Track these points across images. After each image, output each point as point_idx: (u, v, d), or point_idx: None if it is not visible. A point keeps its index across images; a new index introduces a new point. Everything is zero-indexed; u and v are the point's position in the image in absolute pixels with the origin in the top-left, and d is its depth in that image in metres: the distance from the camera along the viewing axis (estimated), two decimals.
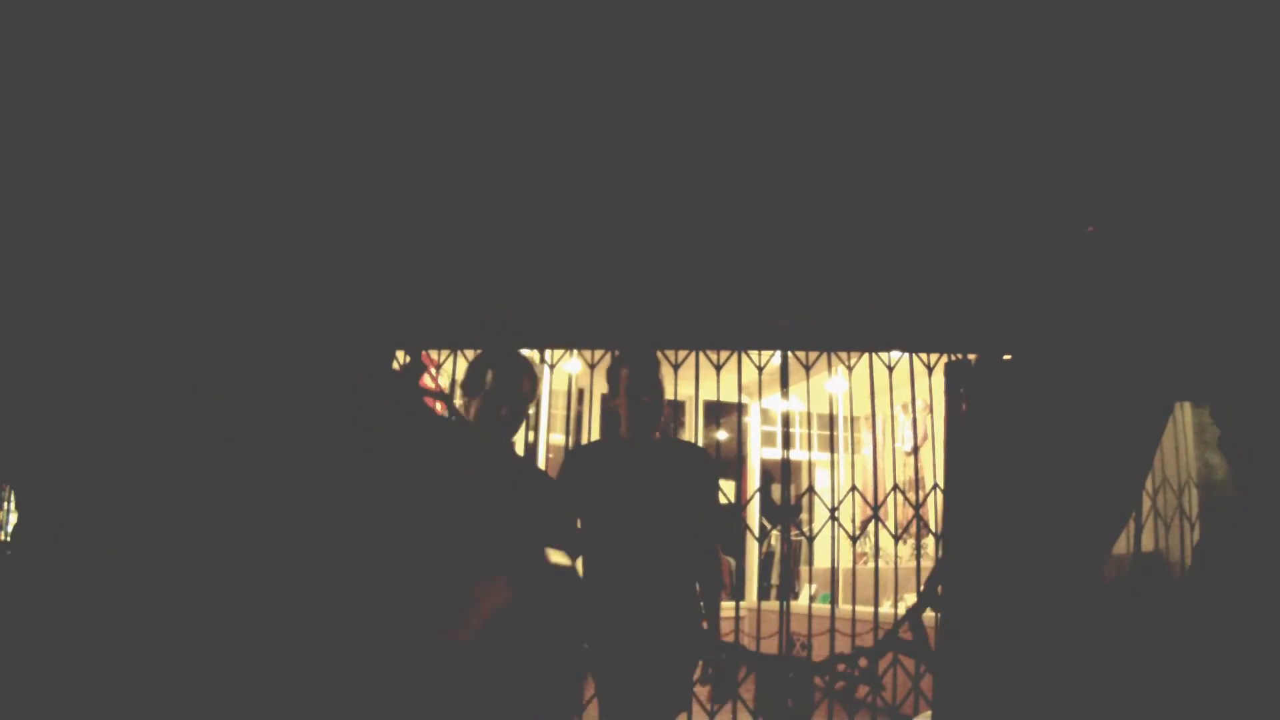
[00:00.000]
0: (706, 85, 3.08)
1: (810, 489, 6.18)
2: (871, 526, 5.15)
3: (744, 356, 4.77)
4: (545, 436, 7.66)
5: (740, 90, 3.07)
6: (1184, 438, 5.80)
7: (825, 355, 5.15)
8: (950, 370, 2.96)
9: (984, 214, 2.94)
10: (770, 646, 6.49)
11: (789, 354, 4.78)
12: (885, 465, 7.26)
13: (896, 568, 6.61)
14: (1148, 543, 5.67)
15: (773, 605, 7.51)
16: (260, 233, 3.92)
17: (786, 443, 7.53)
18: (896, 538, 5.61)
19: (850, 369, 5.66)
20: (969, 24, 2.67)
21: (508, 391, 3.66)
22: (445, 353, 5.20)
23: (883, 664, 4.27)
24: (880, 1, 2.71)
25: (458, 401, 4.09)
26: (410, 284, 4.26)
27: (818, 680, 4.08)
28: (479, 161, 3.66)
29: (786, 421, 5.93)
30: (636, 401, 3.94)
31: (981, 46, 2.70)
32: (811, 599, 8.50)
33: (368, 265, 4.12)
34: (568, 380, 8.11)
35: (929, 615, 3.58)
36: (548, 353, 5.69)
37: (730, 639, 8.01)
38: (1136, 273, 2.51)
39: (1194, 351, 2.40)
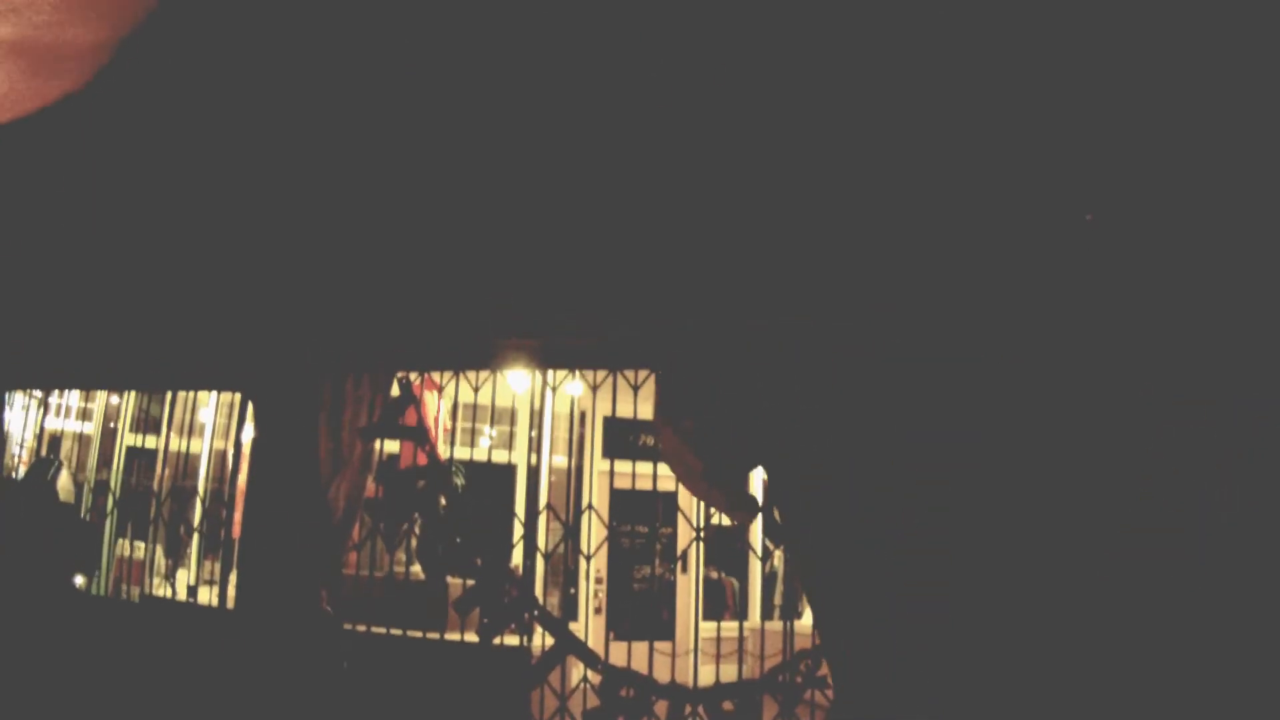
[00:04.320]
0: (692, 94, 3.11)
1: None
2: None
3: None
4: (548, 458, 7.67)
5: (724, 96, 3.10)
6: None
7: None
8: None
9: (973, 211, 2.96)
10: None
11: None
12: None
13: None
14: None
15: (776, 625, 7.50)
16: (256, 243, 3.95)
17: None
18: None
19: None
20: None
21: None
22: (448, 375, 5.22)
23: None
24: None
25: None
26: (412, 308, 4.29)
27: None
28: (477, 179, 3.70)
29: None
30: None
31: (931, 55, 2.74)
32: None
33: (372, 286, 4.15)
34: (570, 403, 8.12)
35: None
36: (550, 374, 5.71)
37: (734, 658, 8.00)
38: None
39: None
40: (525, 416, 8.09)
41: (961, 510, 2.25)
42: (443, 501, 4.83)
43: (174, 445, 7.49)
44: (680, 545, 8.05)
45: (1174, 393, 2.21)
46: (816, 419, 2.63)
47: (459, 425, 7.86)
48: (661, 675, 4.37)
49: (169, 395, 6.63)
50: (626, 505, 7.90)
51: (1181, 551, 2.08)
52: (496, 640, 4.58)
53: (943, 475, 2.31)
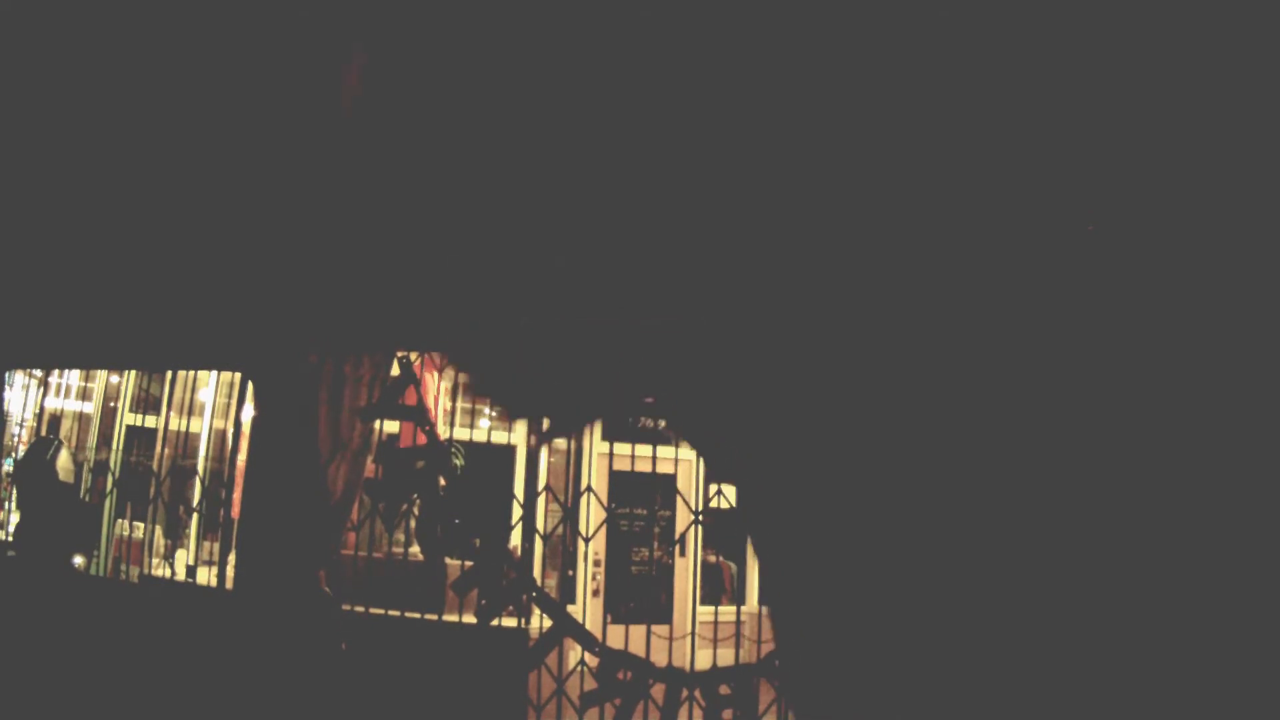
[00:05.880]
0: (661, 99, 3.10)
1: None
2: None
3: None
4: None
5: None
6: None
7: None
8: None
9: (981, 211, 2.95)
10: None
11: None
12: None
13: None
14: None
15: None
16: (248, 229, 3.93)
17: None
18: None
19: None
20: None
21: None
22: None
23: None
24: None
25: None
26: (412, 287, 4.28)
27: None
28: (473, 159, 3.68)
29: None
30: None
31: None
32: None
33: (372, 266, 4.13)
34: None
35: None
36: None
37: (731, 643, 8.03)
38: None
39: None
40: None
41: (927, 504, 2.24)
42: (442, 482, 4.83)
43: (174, 425, 7.48)
44: (679, 528, 8.06)
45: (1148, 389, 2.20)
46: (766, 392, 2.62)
47: (458, 406, 7.85)
48: (659, 659, 4.38)
49: (169, 375, 6.62)
50: (625, 487, 7.90)
51: (1158, 556, 2.07)
52: (494, 622, 4.59)
53: (912, 470, 2.30)
